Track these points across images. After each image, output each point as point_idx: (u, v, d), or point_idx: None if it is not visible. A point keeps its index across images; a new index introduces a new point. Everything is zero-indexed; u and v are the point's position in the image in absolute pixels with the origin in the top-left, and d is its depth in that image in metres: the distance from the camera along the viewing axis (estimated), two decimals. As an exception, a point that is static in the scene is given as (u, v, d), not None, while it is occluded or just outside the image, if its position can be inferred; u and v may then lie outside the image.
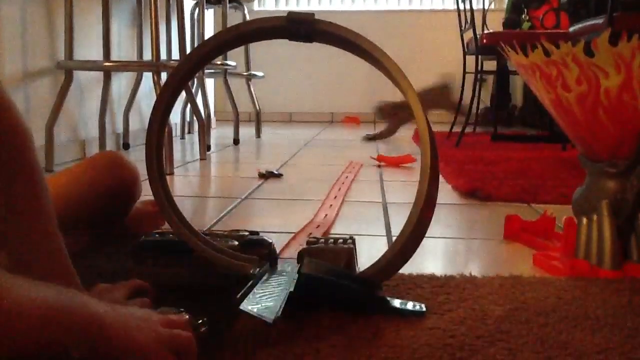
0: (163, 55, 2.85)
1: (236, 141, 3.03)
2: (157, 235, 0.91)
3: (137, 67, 2.67)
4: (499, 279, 0.90)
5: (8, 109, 0.59)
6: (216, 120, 4.17)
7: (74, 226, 0.91)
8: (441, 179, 1.83)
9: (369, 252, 1.00)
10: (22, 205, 0.61)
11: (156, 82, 2.06)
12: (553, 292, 0.85)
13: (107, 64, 2.39)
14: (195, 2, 3.21)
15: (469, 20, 3.08)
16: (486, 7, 3.64)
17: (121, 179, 0.99)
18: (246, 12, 3.42)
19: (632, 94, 0.90)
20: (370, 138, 3.32)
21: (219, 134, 3.60)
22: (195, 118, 2.89)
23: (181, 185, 1.87)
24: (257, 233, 0.94)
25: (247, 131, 3.51)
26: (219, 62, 2.81)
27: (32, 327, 0.47)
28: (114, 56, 2.53)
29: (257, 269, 0.80)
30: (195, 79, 2.94)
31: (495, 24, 3.77)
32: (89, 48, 2.40)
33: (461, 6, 3.23)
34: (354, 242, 0.88)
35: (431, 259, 1.08)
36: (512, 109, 4.69)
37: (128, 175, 1.00)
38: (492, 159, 2.35)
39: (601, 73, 0.90)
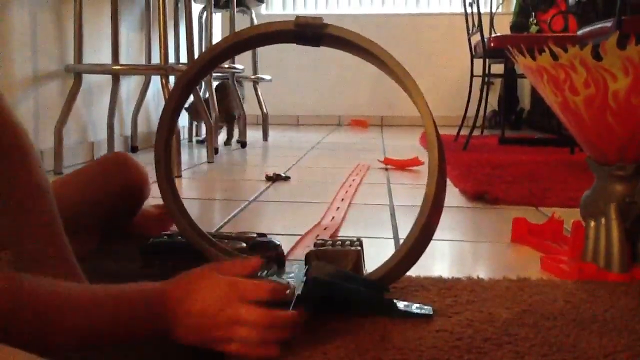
0: (171, 59, 2.87)
1: (243, 144, 3.04)
2: (165, 237, 0.91)
3: (146, 70, 2.68)
4: (506, 282, 0.90)
5: (5, 112, 0.60)
6: (224, 123, 4.18)
7: (83, 227, 0.92)
8: (448, 182, 1.83)
9: (377, 254, 1.00)
10: (26, 206, 0.62)
11: (164, 86, 2.07)
12: (561, 295, 0.85)
13: (115, 67, 2.40)
14: (203, 6, 3.22)
15: (476, 24, 3.08)
16: (494, 11, 3.64)
17: (130, 180, 0.99)
18: (254, 16, 3.43)
19: (640, 97, 0.90)
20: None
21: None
22: (203, 121, 2.90)
23: (189, 187, 1.88)
24: (264, 235, 0.95)
25: (254, 134, 3.52)
26: (226, 66, 2.82)
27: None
28: (123, 60, 2.54)
29: (265, 271, 0.81)
30: (203, 83, 2.95)
31: (502, 27, 3.77)
32: (97, 52, 2.41)
33: (468, 9, 3.23)
34: (361, 245, 0.88)
35: (438, 261, 1.08)
36: (520, 112, 4.68)
37: (137, 176, 1.00)
38: (499, 162, 2.35)
39: (609, 76, 0.90)
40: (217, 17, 4.23)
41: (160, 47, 2.09)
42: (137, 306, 0.59)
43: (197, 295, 0.60)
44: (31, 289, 0.53)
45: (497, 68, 3.60)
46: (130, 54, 2.74)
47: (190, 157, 2.65)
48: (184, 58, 2.95)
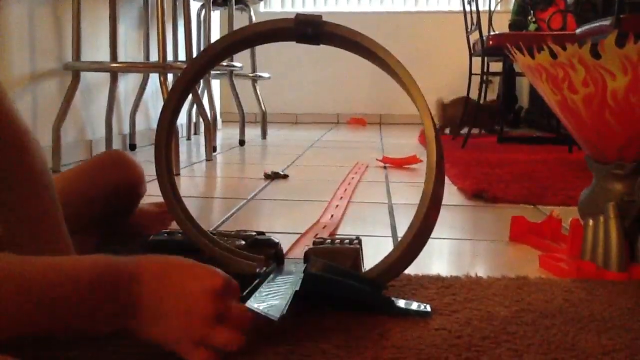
0: (169, 57, 2.86)
1: (242, 142, 3.04)
2: (165, 235, 0.91)
3: (144, 68, 2.68)
4: (504, 280, 0.91)
5: (9, 111, 0.60)
6: (222, 121, 4.18)
7: (81, 226, 0.91)
8: (447, 180, 1.83)
9: (375, 252, 1.00)
10: (30, 209, 0.62)
11: (162, 83, 2.06)
12: (559, 293, 0.85)
13: (114, 65, 2.40)
14: (201, 3, 3.21)
15: (475, 22, 3.08)
16: (492, 9, 3.64)
17: (126, 177, 0.99)
18: (252, 13, 3.43)
19: (639, 95, 0.90)
20: None
21: (225, 135, 3.60)
22: (201, 119, 2.90)
23: (187, 185, 1.88)
24: (263, 234, 0.95)
25: (252, 132, 3.52)
26: (225, 63, 2.82)
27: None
28: (121, 57, 2.54)
29: (264, 268, 0.81)
30: (202, 80, 2.95)
31: (501, 26, 3.77)
32: (96, 49, 2.41)
33: (467, 8, 3.23)
34: (360, 243, 0.88)
35: (437, 259, 1.08)
36: (519, 110, 4.68)
37: (133, 173, 1.00)
38: (498, 160, 2.35)
39: (608, 75, 0.90)
40: (216, 15, 4.22)
41: (158, 45, 2.08)
42: (96, 281, 0.52)
43: (175, 280, 0.55)
44: None
45: (496, 66, 3.60)
46: (129, 51, 2.74)
47: (189, 155, 2.65)
48: (182, 56, 2.95)
